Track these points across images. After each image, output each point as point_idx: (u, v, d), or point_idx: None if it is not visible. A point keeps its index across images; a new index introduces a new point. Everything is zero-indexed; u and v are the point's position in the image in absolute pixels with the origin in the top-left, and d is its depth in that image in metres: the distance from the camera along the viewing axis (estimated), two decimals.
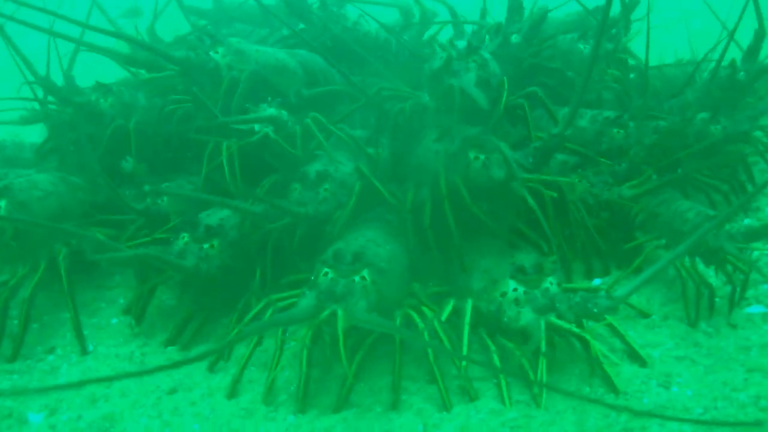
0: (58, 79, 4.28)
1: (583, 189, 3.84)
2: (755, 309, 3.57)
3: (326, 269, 2.93)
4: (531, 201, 3.22)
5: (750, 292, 3.62)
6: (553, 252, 3.40)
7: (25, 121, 5.02)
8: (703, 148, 4.28)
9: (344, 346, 2.72)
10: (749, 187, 4.45)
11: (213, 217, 3.51)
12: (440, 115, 3.70)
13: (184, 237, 3.39)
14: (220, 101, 3.92)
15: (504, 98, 3.94)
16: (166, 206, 3.92)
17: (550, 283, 3.07)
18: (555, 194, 3.45)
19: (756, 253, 3.83)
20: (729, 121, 4.31)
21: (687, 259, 3.54)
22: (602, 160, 4.03)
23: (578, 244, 3.68)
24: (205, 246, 3.37)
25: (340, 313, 2.72)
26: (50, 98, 4.28)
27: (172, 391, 3.07)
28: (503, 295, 3.06)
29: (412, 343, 3.04)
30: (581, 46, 4.93)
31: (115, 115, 4.25)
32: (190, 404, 2.98)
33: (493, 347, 3.04)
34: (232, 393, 3.01)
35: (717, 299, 3.56)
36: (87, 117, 4.21)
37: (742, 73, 4.65)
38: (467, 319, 3.07)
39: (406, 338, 2.92)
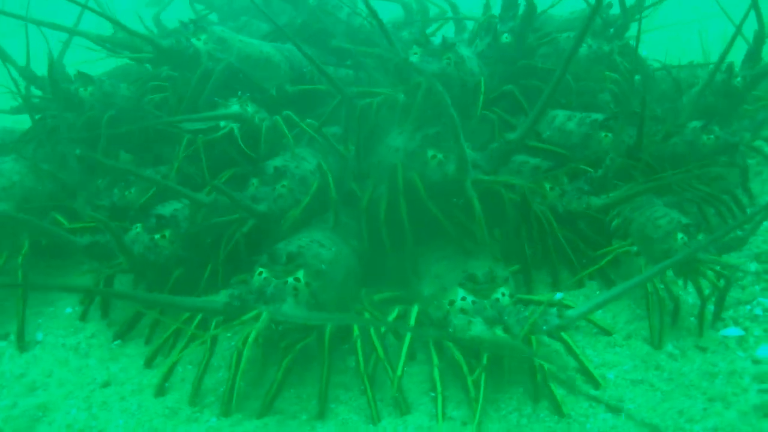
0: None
1: (554, 196, 3.65)
2: (731, 331, 3.33)
3: (260, 269, 2.85)
4: (476, 203, 3.06)
5: (729, 313, 3.39)
6: (499, 260, 3.24)
7: (16, 111, 5.08)
8: (693, 160, 4.05)
9: (280, 349, 2.69)
10: (744, 200, 4.18)
11: (168, 207, 3.47)
12: (406, 113, 3.58)
13: (137, 227, 3.36)
14: (190, 90, 3.87)
15: (481, 99, 3.81)
16: (134, 197, 3.89)
17: (502, 294, 2.92)
18: (516, 198, 3.30)
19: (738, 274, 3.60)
20: (724, 132, 4.05)
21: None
22: (582, 166, 3.83)
23: (539, 254, 3.49)
24: (156, 236, 3.32)
25: (264, 315, 2.64)
26: (34, 88, 4.31)
27: (105, 385, 3.05)
28: (451, 303, 2.93)
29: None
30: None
31: (95, 103, 4.24)
32: (120, 399, 2.95)
33: (435, 360, 2.89)
34: (160, 391, 2.96)
35: (692, 318, 3.37)
36: (67, 105, 4.22)
37: (738, 78, 4.37)
38: (410, 325, 2.94)
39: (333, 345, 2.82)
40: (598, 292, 3.61)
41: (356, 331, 2.90)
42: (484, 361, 2.74)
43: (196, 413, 2.83)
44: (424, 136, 3.29)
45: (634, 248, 3.51)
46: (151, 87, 4.20)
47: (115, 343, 3.36)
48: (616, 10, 5.08)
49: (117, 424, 2.82)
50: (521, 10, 4.63)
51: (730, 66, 4.39)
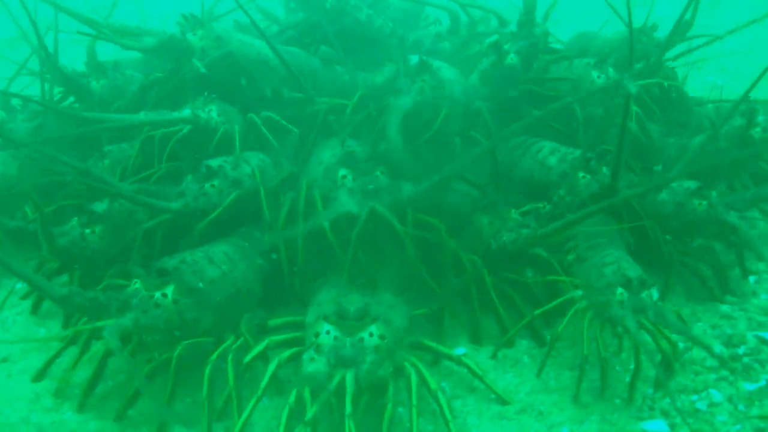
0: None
1: (490, 232, 3.36)
2: (654, 425, 2.90)
3: (136, 280, 2.88)
4: (354, 235, 2.88)
5: (664, 401, 2.96)
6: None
7: None
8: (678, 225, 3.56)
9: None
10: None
11: (103, 204, 3.57)
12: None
13: (74, 220, 3.49)
14: (168, 85, 3.97)
15: (436, 126, 3.57)
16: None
17: (370, 334, 2.73)
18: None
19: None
20: (720, 201, 3.49)
21: None
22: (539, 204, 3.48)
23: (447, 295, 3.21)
24: (87, 231, 3.44)
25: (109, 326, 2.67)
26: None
27: (3, 360, 3.22)
28: (317, 335, 2.76)
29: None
30: (594, 74, 4.28)
31: (104, 95, 4.48)
32: (6, 376, 3.12)
33: (291, 398, 2.73)
34: (39, 376, 3.09)
35: (617, 401, 2.98)
36: (77, 95, 4.49)
37: (758, 129, 3.74)
38: (271, 368, 2.78)
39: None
40: (525, 357, 3.29)
41: (213, 356, 2.85)
42: (348, 408, 2.57)
43: (57, 404, 2.94)
44: (345, 153, 3.15)
45: (581, 300, 3.10)
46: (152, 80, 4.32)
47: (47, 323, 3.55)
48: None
49: None
50: (536, 29, 4.31)
51: (752, 111, 3.78)
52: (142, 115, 3.56)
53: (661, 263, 3.60)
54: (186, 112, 3.69)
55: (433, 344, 3.04)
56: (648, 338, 2.95)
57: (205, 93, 3.89)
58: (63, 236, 3.41)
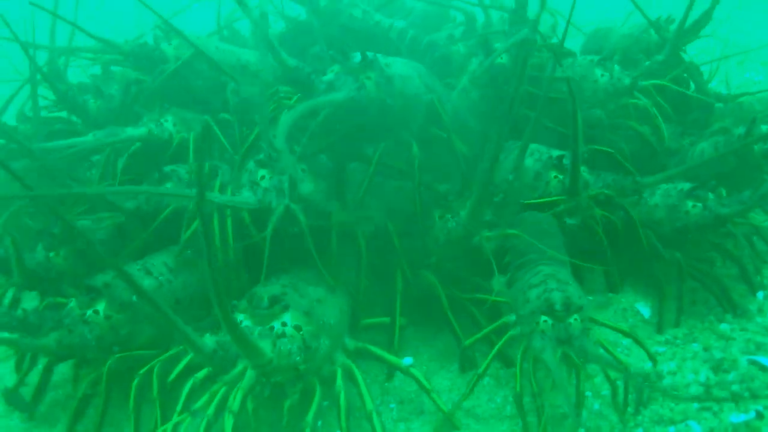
0: None
1: (441, 226, 3.14)
2: None
3: (72, 297, 2.87)
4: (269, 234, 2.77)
5: None
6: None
7: None
8: (670, 230, 3.19)
9: None
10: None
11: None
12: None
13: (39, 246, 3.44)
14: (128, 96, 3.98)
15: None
16: None
17: (283, 324, 2.57)
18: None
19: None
20: (719, 203, 3.10)
21: None
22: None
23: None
24: (51, 254, 3.37)
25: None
26: None
27: None
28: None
29: None
30: (598, 72, 3.95)
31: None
32: None
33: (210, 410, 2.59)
34: None
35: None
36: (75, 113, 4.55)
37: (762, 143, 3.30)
38: (185, 391, 2.64)
39: None
40: (487, 378, 3.01)
41: (141, 370, 2.77)
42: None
43: (8, 410, 3.01)
44: (267, 154, 3.03)
45: (515, 325, 2.81)
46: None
47: None
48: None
49: None
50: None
51: (753, 121, 3.34)
52: (90, 137, 3.54)
53: (655, 276, 3.27)
54: (138, 130, 3.66)
55: (378, 351, 2.84)
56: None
57: (159, 103, 3.86)
58: (31, 260, 3.42)
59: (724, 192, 3.19)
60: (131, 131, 3.62)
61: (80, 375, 2.99)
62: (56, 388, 3.19)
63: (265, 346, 2.48)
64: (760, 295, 3.34)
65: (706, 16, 4.03)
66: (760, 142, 3.31)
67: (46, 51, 4.35)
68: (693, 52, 4.68)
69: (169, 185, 3.36)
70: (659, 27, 4.29)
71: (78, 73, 4.90)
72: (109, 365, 2.77)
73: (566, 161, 3.31)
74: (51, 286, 3.39)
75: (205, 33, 5.53)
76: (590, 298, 3.46)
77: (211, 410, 2.47)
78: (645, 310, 3.33)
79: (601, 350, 2.58)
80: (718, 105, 4.23)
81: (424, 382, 2.74)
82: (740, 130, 3.46)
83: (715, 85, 5.11)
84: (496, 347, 2.72)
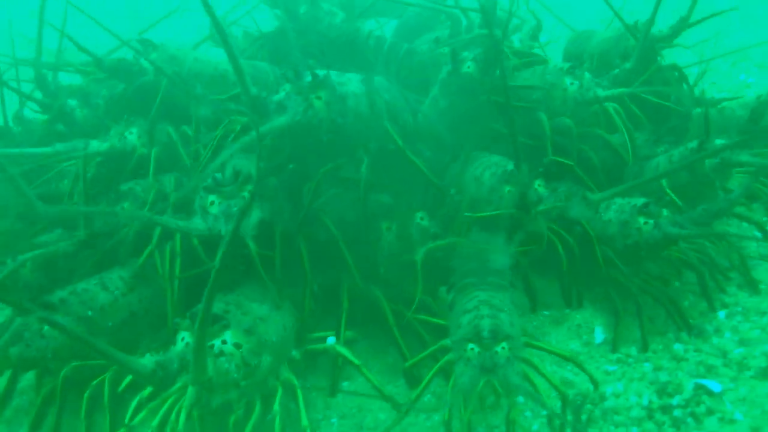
0: None
1: (388, 238, 3.16)
2: None
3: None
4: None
5: None
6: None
7: None
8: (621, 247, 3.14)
9: None
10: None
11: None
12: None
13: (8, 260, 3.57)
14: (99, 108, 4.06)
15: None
16: None
17: (223, 341, 2.60)
18: None
19: None
20: (672, 221, 3.03)
21: None
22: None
23: None
24: None
25: None
26: None
27: None
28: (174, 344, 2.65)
29: None
30: (567, 80, 3.88)
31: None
32: None
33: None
34: None
35: None
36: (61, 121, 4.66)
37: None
38: (131, 407, 2.69)
39: None
40: (428, 395, 3.01)
41: (94, 381, 2.86)
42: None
43: None
44: (213, 179, 3.05)
45: (451, 350, 2.80)
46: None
47: None
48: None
49: None
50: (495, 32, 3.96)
51: (707, 134, 3.25)
52: (50, 150, 3.61)
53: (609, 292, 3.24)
54: (102, 145, 3.73)
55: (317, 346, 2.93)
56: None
57: (125, 116, 3.92)
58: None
59: (665, 212, 3.11)
60: (94, 145, 3.69)
61: (42, 383, 3.11)
62: (21, 395, 3.29)
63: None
64: (722, 314, 3.27)
65: (683, 22, 3.93)
66: (711, 156, 3.22)
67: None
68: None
69: (125, 205, 3.44)
70: (636, 31, 4.18)
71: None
72: (64, 375, 2.87)
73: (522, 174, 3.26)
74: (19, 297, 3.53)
75: (201, 36, 5.64)
76: (546, 312, 3.46)
77: (155, 422, 2.53)
78: (600, 327, 3.29)
79: (526, 382, 2.55)
80: (697, 111, 4.11)
81: (352, 358, 2.83)
82: (693, 143, 3.37)
83: (707, 88, 5.00)
84: (431, 373, 2.70)
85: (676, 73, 4.20)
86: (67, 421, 2.99)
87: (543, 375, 2.63)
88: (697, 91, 4.46)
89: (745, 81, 5.54)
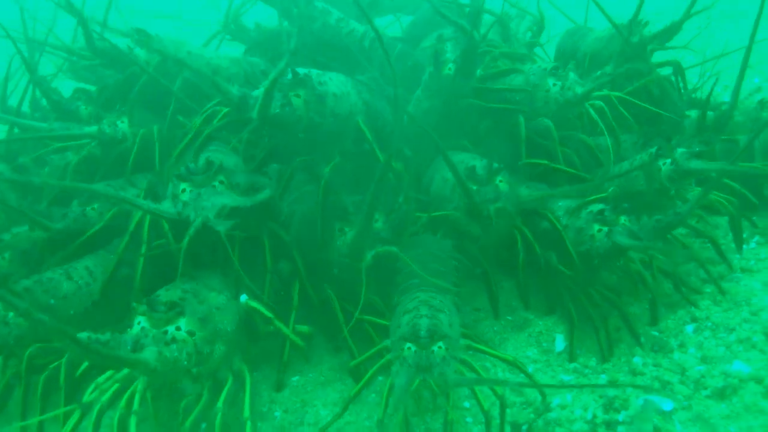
0: None
1: (342, 240, 3.14)
2: None
3: None
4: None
5: None
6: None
7: None
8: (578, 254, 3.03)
9: None
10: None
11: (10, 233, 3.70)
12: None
13: None
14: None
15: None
16: None
17: (177, 328, 2.63)
18: None
19: None
20: (626, 230, 2.91)
21: None
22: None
23: None
24: None
25: None
26: None
27: None
28: (131, 327, 2.67)
29: None
30: (550, 81, 3.78)
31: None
32: None
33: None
34: None
35: None
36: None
37: (668, 161, 3.04)
38: (88, 392, 2.74)
39: None
40: (373, 395, 3.00)
41: (52, 365, 2.99)
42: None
43: None
44: (186, 168, 3.09)
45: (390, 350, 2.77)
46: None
47: None
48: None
49: None
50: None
51: (667, 140, 3.11)
52: (46, 125, 3.75)
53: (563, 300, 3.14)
54: (93, 128, 3.83)
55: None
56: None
57: (117, 106, 4.01)
58: None
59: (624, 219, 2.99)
60: (87, 129, 3.81)
61: (8, 366, 3.21)
62: None
63: (151, 353, 2.55)
64: (689, 328, 3.13)
65: (676, 26, 3.78)
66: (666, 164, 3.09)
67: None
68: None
69: (95, 205, 3.53)
70: (628, 31, 4.04)
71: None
72: (27, 357, 2.99)
73: (481, 171, 3.20)
74: None
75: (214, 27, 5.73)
76: (509, 318, 3.39)
77: (105, 397, 2.62)
78: (562, 335, 3.20)
79: (463, 382, 2.51)
80: (690, 114, 3.95)
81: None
82: (653, 149, 3.23)
83: (720, 91, 4.80)
84: (370, 372, 2.69)
85: (672, 76, 4.05)
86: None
87: (480, 376, 2.58)
88: (705, 94, 4.27)
89: (758, 85, 5.27)
